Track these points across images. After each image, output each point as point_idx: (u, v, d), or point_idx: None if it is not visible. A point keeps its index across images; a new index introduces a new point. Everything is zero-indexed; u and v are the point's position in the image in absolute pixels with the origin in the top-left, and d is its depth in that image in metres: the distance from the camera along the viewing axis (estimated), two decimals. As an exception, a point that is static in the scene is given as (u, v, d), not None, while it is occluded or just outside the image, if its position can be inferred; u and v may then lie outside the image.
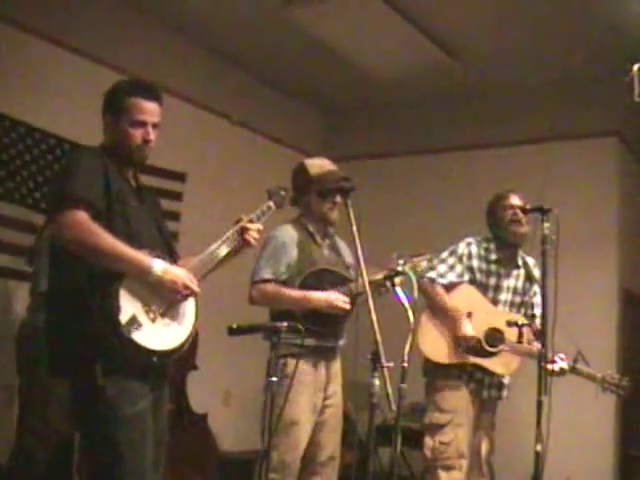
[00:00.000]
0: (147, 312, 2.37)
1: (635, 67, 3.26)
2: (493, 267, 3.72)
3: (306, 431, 3.33)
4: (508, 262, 3.75)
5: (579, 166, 5.94)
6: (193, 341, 2.57)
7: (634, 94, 3.21)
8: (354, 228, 3.12)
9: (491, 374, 3.66)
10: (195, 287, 2.47)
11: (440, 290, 3.68)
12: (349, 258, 3.56)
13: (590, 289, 5.67)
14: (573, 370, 3.54)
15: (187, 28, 5.70)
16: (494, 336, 3.58)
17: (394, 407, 2.67)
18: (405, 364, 2.72)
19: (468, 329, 3.59)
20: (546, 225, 3.19)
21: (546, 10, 5.01)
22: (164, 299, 2.42)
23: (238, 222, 2.79)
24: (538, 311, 3.73)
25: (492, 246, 3.76)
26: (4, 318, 4.60)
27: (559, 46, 5.46)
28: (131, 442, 2.32)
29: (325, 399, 3.45)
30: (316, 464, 3.40)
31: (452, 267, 3.70)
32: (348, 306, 3.32)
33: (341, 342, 3.51)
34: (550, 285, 3.11)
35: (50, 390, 3.79)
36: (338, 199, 3.38)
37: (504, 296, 3.72)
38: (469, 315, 3.64)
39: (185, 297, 2.47)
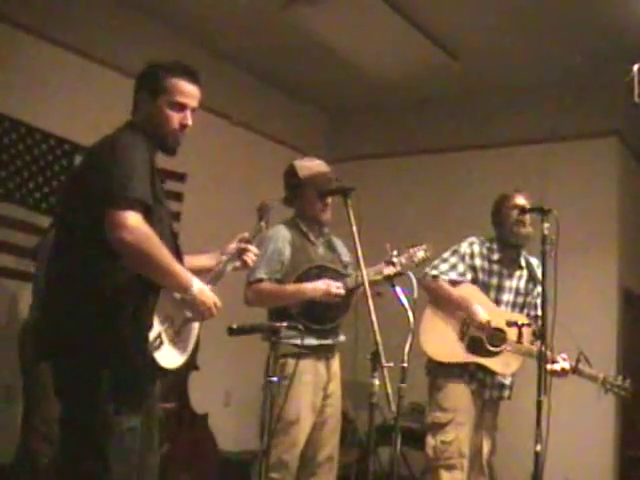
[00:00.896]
0: (167, 330, 2.31)
1: (635, 67, 3.26)
2: (495, 267, 3.72)
3: (305, 430, 3.34)
4: (511, 262, 3.75)
5: (579, 166, 5.94)
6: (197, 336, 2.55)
7: (634, 94, 3.21)
8: (354, 228, 3.13)
9: (492, 374, 3.66)
10: (215, 312, 2.40)
11: (445, 284, 3.67)
12: (346, 257, 3.58)
13: (590, 289, 5.67)
14: (575, 371, 3.54)
15: (187, 28, 5.70)
16: (496, 336, 3.58)
17: (394, 407, 2.67)
18: (405, 364, 2.72)
19: (484, 315, 3.56)
20: (546, 225, 3.19)
21: (546, 10, 5.01)
22: (182, 316, 2.37)
23: (241, 240, 2.72)
24: (540, 312, 3.75)
25: (495, 246, 3.75)
26: (7, 318, 4.61)
27: (559, 46, 5.46)
28: (122, 457, 2.23)
29: (325, 398, 3.45)
30: (314, 464, 3.41)
31: (454, 266, 3.69)
32: (342, 291, 3.34)
33: (341, 338, 3.52)
34: (550, 285, 3.11)
35: (53, 390, 3.79)
36: (329, 200, 3.42)
37: (506, 296, 3.72)
38: None
39: (204, 319, 2.41)
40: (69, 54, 5.03)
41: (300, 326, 2.92)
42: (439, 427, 3.63)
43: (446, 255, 3.74)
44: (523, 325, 3.47)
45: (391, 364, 2.68)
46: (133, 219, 2.16)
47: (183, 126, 2.42)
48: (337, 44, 5.64)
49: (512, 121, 6.30)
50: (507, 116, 6.35)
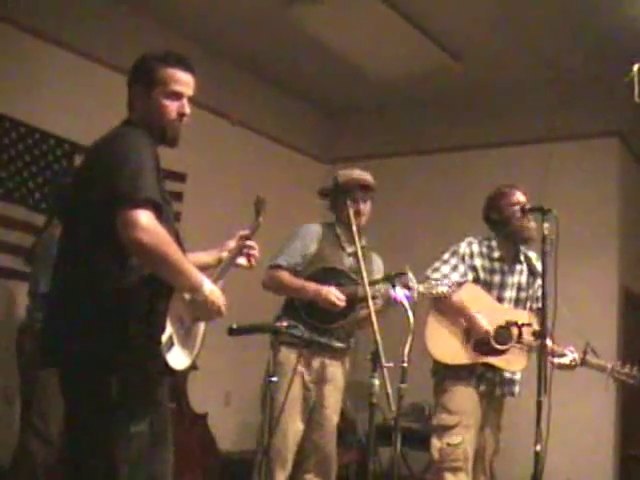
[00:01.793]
0: (178, 331, 2.28)
1: (635, 67, 3.26)
2: (497, 265, 3.70)
3: (293, 418, 3.37)
4: (511, 258, 3.73)
5: (579, 166, 5.94)
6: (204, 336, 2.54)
7: (634, 94, 3.21)
8: (354, 228, 3.15)
9: (502, 371, 3.65)
10: (224, 312, 2.38)
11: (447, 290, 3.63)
12: (378, 274, 3.59)
13: (590, 289, 5.68)
14: (583, 362, 3.53)
15: (187, 28, 5.70)
16: (502, 334, 3.56)
17: (394, 407, 2.67)
18: (405, 364, 2.72)
19: (484, 324, 3.54)
20: (546, 225, 3.18)
21: (546, 11, 5.01)
22: (191, 316, 2.34)
23: (241, 238, 2.67)
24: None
25: (494, 243, 3.72)
26: (4, 318, 4.61)
27: (559, 46, 5.46)
28: (128, 459, 2.20)
29: (321, 398, 3.47)
30: (311, 464, 3.42)
31: (455, 267, 3.65)
32: (342, 303, 3.39)
33: (340, 344, 3.52)
34: (550, 285, 3.11)
35: (51, 390, 3.79)
36: (361, 205, 3.54)
37: (509, 293, 3.70)
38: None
39: (213, 319, 2.39)
40: (69, 54, 5.04)
41: (300, 326, 2.92)
42: (445, 429, 3.59)
43: (446, 256, 3.70)
44: (523, 325, 3.47)
45: (391, 364, 2.69)
46: (146, 218, 2.13)
47: (181, 115, 2.38)
48: (337, 44, 5.64)
49: (512, 121, 6.31)
50: (507, 116, 6.35)
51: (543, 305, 3.14)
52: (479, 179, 6.11)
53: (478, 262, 3.68)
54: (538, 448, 2.97)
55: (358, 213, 3.50)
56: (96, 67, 5.17)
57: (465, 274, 3.66)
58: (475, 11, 5.16)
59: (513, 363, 3.61)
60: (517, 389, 3.73)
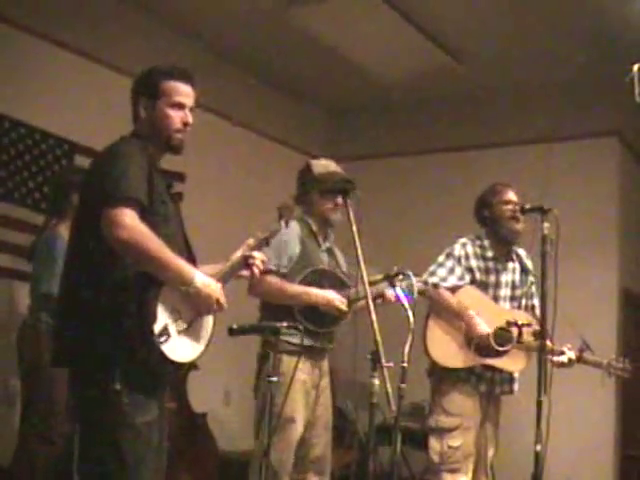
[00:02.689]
0: (175, 323, 2.34)
1: (635, 67, 3.25)
2: (491, 264, 3.70)
3: (300, 429, 3.35)
4: (503, 257, 3.73)
5: (579, 166, 5.94)
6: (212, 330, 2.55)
7: (634, 94, 3.20)
8: (354, 228, 3.14)
9: (501, 370, 3.64)
10: (225, 304, 2.43)
11: (445, 293, 3.62)
12: (344, 266, 3.58)
13: (590, 289, 5.68)
14: (580, 359, 3.54)
15: (188, 28, 5.70)
16: (502, 335, 3.56)
17: (394, 407, 2.67)
18: (405, 364, 2.72)
19: (484, 327, 3.54)
20: (546, 225, 3.18)
21: (546, 11, 5.01)
22: (192, 310, 2.39)
23: (247, 245, 2.71)
24: (536, 301, 3.74)
25: (486, 243, 3.71)
26: (5, 318, 4.60)
27: (560, 47, 5.46)
28: (136, 451, 2.29)
29: (316, 397, 3.47)
30: (307, 462, 3.42)
31: (452, 270, 3.64)
32: (345, 308, 3.35)
33: (331, 345, 3.52)
34: (550, 285, 3.10)
35: (52, 390, 3.79)
36: (340, 200, 3.40)
37: (503, 292, 3.70)
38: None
39: (213, 312, 2.44)
40: (69, 54, 5.03)
41: (300, 326, 2.91)
42: (445, 432, 3.58)
43: (441, 259, 3.69)
44: (523, 325, 3.47)
45: (391, 364, 2.69)
46: (127, 216, 2.22)
47: (185, 124, 2.51)
48: (338, 44, 5.64)
49: (512, 121, 6.31)
50: (508, 116, 6.35)
51: (543, 305, 3.14)
52: (479, 179, 6.07)
53: (474, 263, 3.68)
54: (538, 448, 2.97)
55: (336, 207, 3.43)
56: (96, 67, 5.17)
57: (462, 277, 3.65)
58: (476, 12, 5.17)
59: (513, 364, 3.61)
60: (516, 386, 3.74)
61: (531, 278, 3.76)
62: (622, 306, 5.83)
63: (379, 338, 2.76)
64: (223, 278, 2.57)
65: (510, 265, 3.74)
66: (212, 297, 2.38)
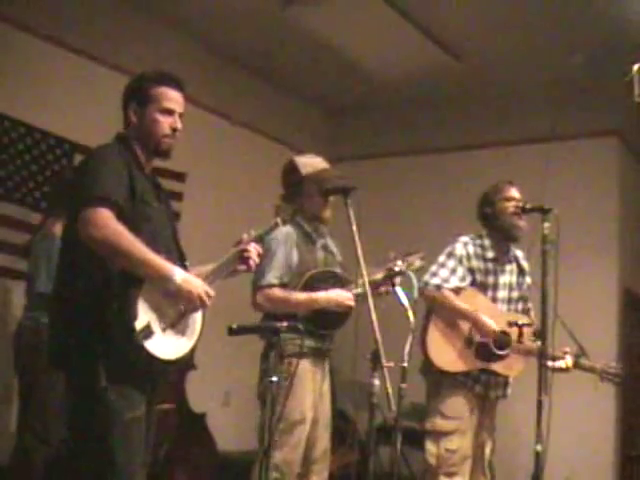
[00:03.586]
0: (159, 320, 2.36)
1: (635, 67, 3.25)
2: (490, 265, 3.68)
3: (307, 429, 3.34)
4: (502, 258, 3.72)
5: (579, 166, 5.94)
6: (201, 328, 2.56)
7: (634, 94, 3.20)
8: (354, 228, 3.13)
9: (497, 374, 3.64)
10: (208, 301, 2.45)
11: (449, 295, 3.58)
12: (340, 257, 3.55)
13: (590, 289, 5.68)
14: (576, 365, 3.55)
15: (188, 28, 5.70)
16: (501, 339, 3.56)
17: (394, 407, 2.67)
18: (405, 364, 2.72)
19: (493, 325, 3.52)
20: (546, 225, 3.18)
21: (546, 11, 5.01)
22: (176, 308, 2.41)
23: (239, 243, 2.71)
24: (531, 304, 3.75)
25: (487, 242, 3.70)
26: (3, 318, 4.60)
27: (560, 46, 5.46)
28: (125, 447, 2.31)
29: (318, 398, 3.47)
30: (308, 461, 3.42)
31: (454, 270, 3.62)
32: (353, 303, 3.31)
33: (332, 345, 3.52)
34: (550, 285, 3.10)
35: (49, 390, 3.79)
36: (331, 198, 3.38)
37: (501, 293, 3.69)
38: None
39: (197, 309, 2.46)
40: (69, 54, 5.04)
41: (300, 326, 2.91)
42: (442, 435, 3.58)
43: (442, 259, 3.66)
44: (524, 325, 3.47)
45: (391, 364, 2.68)
46: (100, 216, 2.28)
47: (174, 130, 2.56)
48: (337, 44, 5.64)
49: (512, 121, 6.31)
50: (507, 116, 6.35)
51: (543, 305, 3.14)
52: (479, 179, 6.09)
53: (474, 264, 3.66)
54: (538, 448, 2.97)
55: (327, 204, 3.40)
56: (96, 67, 5.17)
57: (464, 277, 3.63)
58: (475, 11, 5.16)
59: (510, 368, 3.61)
60: (509, 391, 3.74)
61: (528, 280, 3.75)
62: (622, 306, 5.83)
63: (379, 338, 2.76)
64: (215, 273, 2.58)
65: (508, 267, 3.73)
66: (193, 293, 2.39)
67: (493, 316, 3.58)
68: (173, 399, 4.70)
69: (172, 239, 2.57)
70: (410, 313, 2.83)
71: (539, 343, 3.22)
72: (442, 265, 3.64)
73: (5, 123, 4.70)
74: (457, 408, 3.58)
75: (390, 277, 3.17)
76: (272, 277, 3.29)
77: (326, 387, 3.50)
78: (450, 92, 6.40)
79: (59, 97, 4.93)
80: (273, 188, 6.66)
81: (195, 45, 5.84)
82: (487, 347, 3.53)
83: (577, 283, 5.25)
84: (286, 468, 3.23)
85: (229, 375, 5.93)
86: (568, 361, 3.52)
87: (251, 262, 2.69)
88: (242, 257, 2.67)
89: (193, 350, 2.52)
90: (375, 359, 2.72)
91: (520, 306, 3.75)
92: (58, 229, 3.91)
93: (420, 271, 3.43)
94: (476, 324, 3.54)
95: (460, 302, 3.58)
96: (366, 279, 2.94)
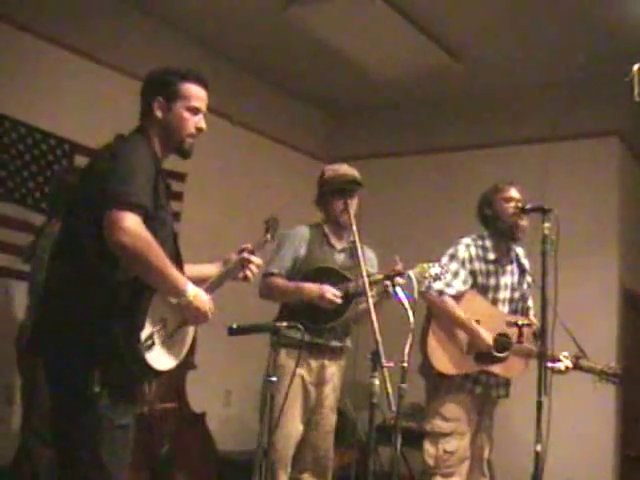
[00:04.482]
0: (160, 331, 2.33)
1: (635, 67, 3.25)
2: (492, 267, 3.68)
3: (295, 420, 3.36)
4: (504, 259, 3.71)
5: (579, 166, 5.94)
6: (192, 340, 2.56)
7: (634, 94, 3.20)
8: (354, 227, 3.15)
9: (497, 376, 3.64)
10: (210, 316, 2.42)
11: (450, 303, 3.57)
12: (372, 269, 3.55)
13: (590, 289, 5.67)
14: (576, 366, 3.55)
15: (188, 28, 5.70)
16: (502, 342, 3.55)
17: (394, 407, 2.67)
18: (405, 364, 2.72)
19: (489, 339, 3.52)
20: (546, 225, 3.18)
21: (546, 11, 5.01)
22: (177, 319, 2.39)
23: (242, 251, 2.71)
24: (531, 302, 3.77)
25: (488, 243, 3.69)
26: (4, 318, 4.60)
27: (559, 47, 5.46)
28: (114, 453, 2.27)
29: (319, 400, 3.47)
30: (308, 463, 3.43)
31: (456, 274, 3.60)
32: (338, 300, 3.37)
33: (338, 343, 3.52)
34: (550, 285, 3.10)
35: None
36: (350, 202, 3.46)
37: (502, 294, 3.69)
38: (477, 322, 3.57)
39: (199, 323, 2.44)
40: (69, 54, 5.03)
41: (300, 326, 2.91)
42: (441, 436, 3.58)
43: (444, 262, 3.61)
44: (523, 325, 3.47)
45: (391, 364, 2.69)
46: (131, 221, 2.19)
47: (199, 130, 2.53)
48: (338, 44, 5.64)
49: (512, 121, 6.30)
50: (507, 116, 6.35)
51: (543, 305, 3.14)
52: (479, 179, 6.07)
53: (476, 266, 3.65)
54: (538, 448, 2.97)
55: (346, 208, 3.45)
56: (96, 67, 5.17)
57: (466, 280, 3.62)
58: (476, 11, 5.16)
59: (510, 370, 3.61)
60: (510, 390, 3.74)
61: (528, 278, 3.75)
62: (622, 306, 5.83)
63: (379, 338, 2.76)
64: (216, 284, 2.58)
65: (509, 267, 3.73)
66: (200, 309, 2.37)
67: (492, 319, 3.58)
68: (173, 398, 4.70)
69: (174, 241, 2.53)
70: (410, 313, 2.84)
71: (539, 344, 3.22)
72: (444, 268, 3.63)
73: (5, 123, 4.70)
74: (456, 410, 3.59)
75: (391, 277, 3.17)
76: (274, 267, 3.50)
77: (328, 392, 3.51)
78: (450, 92, 6.40)
79: (59, 97, 4.92)
80: (273, 188, 6.68)
81: (195, 45, 5.84)
82: (487, 351, 3.54)
83: (577, 283, 5.25)
84: (275, 459, 3.24)
85: (229, 375, 5.94)
86: (567, 363, 3.52)
87: (250, 273, 2.69)
88: (244, 266, 2.67)
89: (189, 353, 2.50)
90: (375, 359, 2.73)
91: (521, 305, 3.75)
92: None
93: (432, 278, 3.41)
94: (473, 337, 3.55)
95: (460, 312, 3.57)
96: (366, 278, 2.95)
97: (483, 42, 5.57)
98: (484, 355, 3.54)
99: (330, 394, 3.53)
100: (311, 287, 3.41)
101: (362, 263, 3.04)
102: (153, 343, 2.29)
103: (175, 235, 2.56)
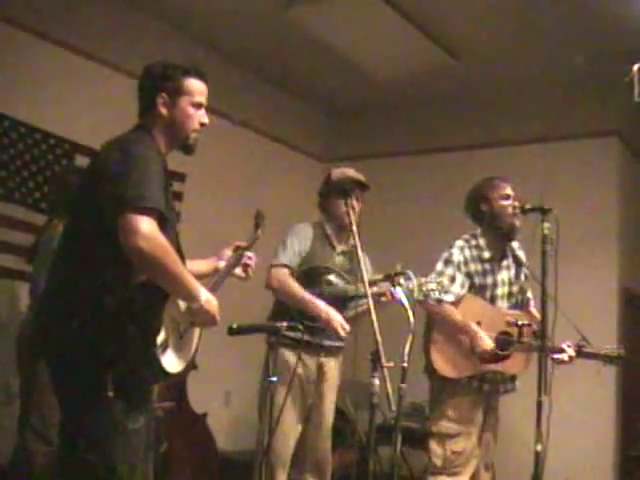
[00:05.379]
0: (173, 334, 2.34)
1: (635, 67, 3.25)
2: (487, 266, 3.66)
3: (292, 417, 3.37)
4: (498, 255, 3.69)
5: (579, 166, 5.94)
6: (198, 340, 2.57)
7: (634, 94, 3.20)
8: (354, 228, 3.15)
9: (502, 372, 3.63)
10: (218, 320, 2.42)
11: (448, 309, 3.56)
12: (367, 271, 3.54)
13: (590, 289, 5.67)
14: (579, 354, 3.54)
15: (188, 28, 5.70)
16: (504, 340, 3.55)
17: (394, 407, 2.67)
18: (405, 364, 2.72)
19: (489, 342, 3.52)
20: (546, 225, 3.18)
21: (546, 10, 5.01)
22: (186, 321, 2.39)
23: (237, 248, 2.74)
24: (530, 294, 3.77)
25: (482, 242, 3.67)
26: (5, 318, 4.60)
27: (559, 46, 5.46)
28: (126, 457, 2.25)
29: (317, 399, 3.47)
30: (307, 463, 3.43)
31: (453, 278, 3.57)
32: (343, 333, 3.40)
33: (336, 343, 3.52)
34: (550, 285, 3.10)
35: (50, 390, 3.78)
36: (355, 203, 3.49)
37: (500, 290, 3.68)
38: (479, 324, 3.57)
39: (207, 327, 2.45)
40: (69, 54, 5.03)
41: (300, 326, 2.92)
42: (447, 437, 3.57)
43: (440, 267, 3.61)
44: (523, 325, 3.47)
45: (391, 364, 2.69)
46: (148, 226, 2.16)
47: (202, 124, 2.52)
48: (338, 44, 5.64)
49: (512, 121, 6.30)
50: (507, 116, 6.35)
51: (543, 305, 3.14)
52: (479, 178, 6.11)
53: (472, 267, 3.64)
54: (538, 448, 2.97)
55: (353, 211, 3.45)
56: (96, 67, 5.17)
57: (464, 284, 3.61)
58: (475, 11, 5.16)
59: (514, 367, 3.61)
60: (517, 384, 3.73)
61: (525, 270, 3.74)
62: (622, 306, 5.83)
63: (379, 338, 2.76)
64: (218, 284, 2.59)
65: (504, 262, 3.71)
66: (210, 314, 2.37)
67: (492, 319, 3.58)
68: (174, 399, 4.71)
69: (176, 240, 2.50)
70: (410, 313, 2.84)
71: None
72: (441, 274, 3.58)
73: (5, 123, 4.70)
74: (462, 411, 3.57)
75: (391, 277, 3.18)
76: (284, 258, 3.52)
77: (327, 391, 3.51)
78: (450, 92, 6.40)
79: (60, 97, 4.92)
80: (273, 188, 6.68)
81: (195, 45, 5.83)
82: (489, 351, 3.54)
83: (577, 282, 5.25)
84: (275, 456, 3.25)
85: (229, 375, 5.93)
86: (571, 352, 3.51)
87: (249, 270, 2.71)
88: (244, 265, 2.68)
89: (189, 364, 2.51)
90: (375, 359, 2.73)
91: (521, 297, 3.74)
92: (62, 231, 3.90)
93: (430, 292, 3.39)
94: (473, 341, 3.53)
95: (458, 317, 3.56)
96: (366, 280, 2.96)
97: (483, 42, 5.57)
98: (487, 355, 3.54)
99: (328, 393, 3.53)
100: (322, 308, 3.40)
101: (362, 265, 3.04)
102: (167, 346, 2.30)
103: (178, 238, 2.55)
